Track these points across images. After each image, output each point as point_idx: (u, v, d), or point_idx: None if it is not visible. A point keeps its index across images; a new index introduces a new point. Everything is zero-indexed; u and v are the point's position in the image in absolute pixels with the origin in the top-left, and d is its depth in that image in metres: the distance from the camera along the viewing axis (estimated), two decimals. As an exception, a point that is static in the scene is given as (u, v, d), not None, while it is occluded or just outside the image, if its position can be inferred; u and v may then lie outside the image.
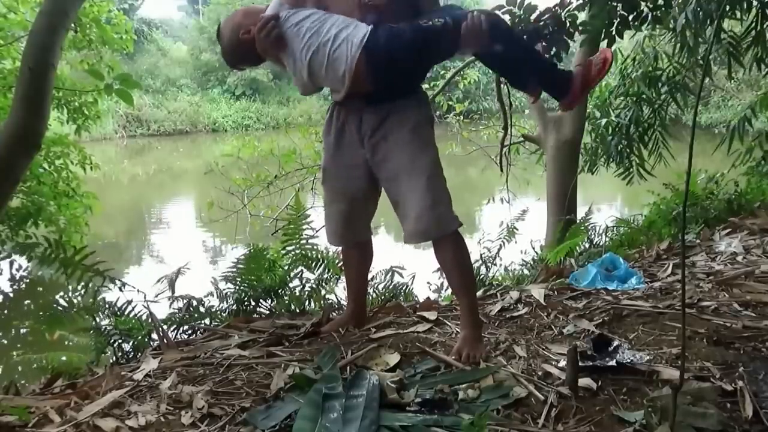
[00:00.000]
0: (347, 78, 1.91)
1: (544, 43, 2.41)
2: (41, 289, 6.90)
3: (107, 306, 2.56)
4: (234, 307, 2.68)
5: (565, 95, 2.05)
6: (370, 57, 1.88)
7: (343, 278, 2.89)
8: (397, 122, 2.00)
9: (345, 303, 2.84)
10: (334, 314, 2.58)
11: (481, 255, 3.62)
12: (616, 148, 4.78)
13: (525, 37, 2.14)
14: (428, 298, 2.99)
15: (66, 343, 2.86)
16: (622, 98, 4.85)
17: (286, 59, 2.02)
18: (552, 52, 3.09)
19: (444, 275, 2.23)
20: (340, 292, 2.95)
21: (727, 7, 3.40)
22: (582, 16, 3.17)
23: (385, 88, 1.98)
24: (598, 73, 2.03)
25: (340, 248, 2.44)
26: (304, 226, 2.88)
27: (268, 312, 2.69)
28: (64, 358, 2.33)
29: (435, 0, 2.09)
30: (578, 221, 4.41)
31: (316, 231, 2.99)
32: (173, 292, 2.67)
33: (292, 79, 2.10)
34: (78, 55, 6.59)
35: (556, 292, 2.77)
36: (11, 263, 6.75)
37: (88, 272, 2.43)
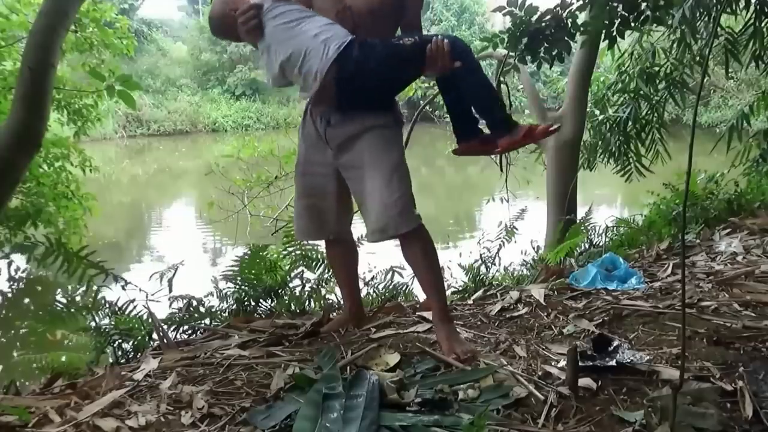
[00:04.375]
0: (317, 81, 1.91)
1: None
2: (40, 287, 6.90)
3: (107, 305, 2.56)
4: (234, 307, 2.68)
5: (507, 133, 2.00)
6: (341, 69, 1.89)
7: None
8: (361, 124, 2.01)
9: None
10: (334, 314, 2.58)
11: (480, 255, 3.62)
12: (615, 145, 4.78)
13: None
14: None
15: (66, 342, 2.86)
16: (619, 95, 4.85)
17: (262, 48, 2.03)
18: (554, 53, 3.10)
19: (413, 272, 2.23)
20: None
21: (727, 8, 3.40)
22: (583, 17, 3.17)
23: (351, 100, 2.00)
24: (543, 132, 2.04)
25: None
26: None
27: (268, 312, 2.69)
28: (64, 358, 2.32)
29: (417, 12, 2.14)
30: (578, 221, 4.41)
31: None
32: (171, 290, 2.66)
33: (263, 68, 2.09)
34: (79, 58, 6.59)
35: (556, 292, 2.77)
36: (9, 264, 6.73)
37: (89, 269, 2.43)
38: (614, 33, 3.10)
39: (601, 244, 3.98)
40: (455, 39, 1.95)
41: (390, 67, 1.95)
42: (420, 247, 2.03)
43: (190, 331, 2.54)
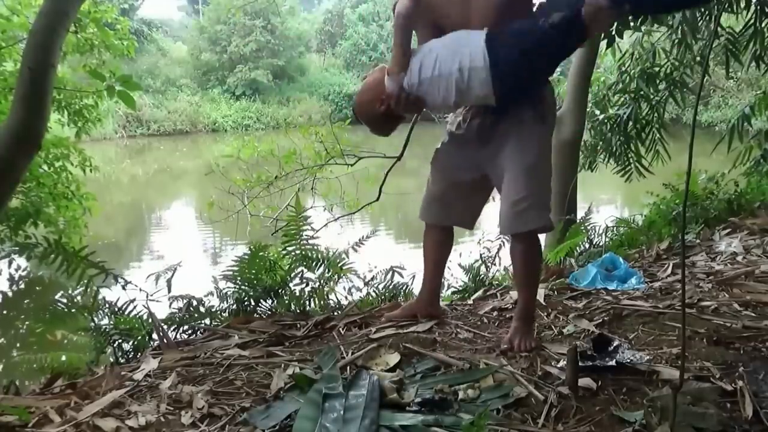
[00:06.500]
0: (492, 98, 1.96)
1: None
2: (39, 287, 6.90)
3: (107, 305, 2.56)
4: (234, 307, 2.68)
5: None
6: (500, 78, 1.91)
7: (343, 278, 2.90)
8: (511, 121, 2.04)
9: (345, 303, 2.85)
10: (337, 313, 2.58)
11: (480, 255, 3.62)
12: (616, 145, 4.78)
13: None
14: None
15: (66, 342, 2.86)
16: (620, 95, 4.85)
17: (430, 108, 2.12)
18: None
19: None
20: (340, 291, 2.95)
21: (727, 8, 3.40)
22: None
23: (511, 96, 2.01)
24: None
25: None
26: (305, 227, 2.88)
27: (268, 312, 2.69)
28: (64, 358, 2.32)
29: None
30: (578, 221, 4.41)
31: (317, 231, 2.99)
32: (170, 290, 2.66)
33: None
34: (80, 59, 6.58)
35: (556, 292, 2.77)
36: (9, 263, 6.73)
37: (89, 269, 2.43)
38: (613, 32, 3.10)
39: (601, 244, 3.98)
40: None
41: (547, 54, 1.92)
42: (521, 249, 2.12)
43: (190, 331, 2.54)
